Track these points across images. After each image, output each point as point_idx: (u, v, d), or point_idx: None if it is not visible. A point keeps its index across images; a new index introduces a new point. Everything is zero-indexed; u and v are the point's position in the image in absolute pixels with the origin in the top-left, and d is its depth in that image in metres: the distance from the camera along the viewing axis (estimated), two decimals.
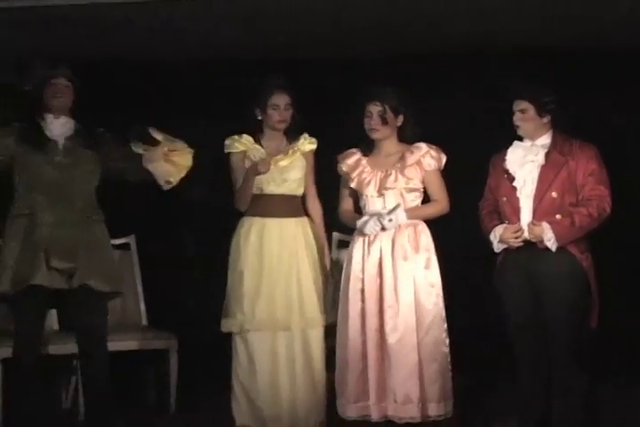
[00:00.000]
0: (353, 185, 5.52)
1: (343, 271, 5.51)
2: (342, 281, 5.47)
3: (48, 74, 5.42)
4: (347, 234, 5.89)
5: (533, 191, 5.25)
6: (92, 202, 5.46)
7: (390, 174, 5.47)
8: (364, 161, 5.56)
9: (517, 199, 5.28)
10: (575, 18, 5.80)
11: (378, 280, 5.39)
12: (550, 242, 5.15)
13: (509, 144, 5.38)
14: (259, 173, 5.47)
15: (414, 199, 5.47)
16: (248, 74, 6.13)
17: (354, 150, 5.60)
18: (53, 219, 5.31)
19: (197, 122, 6.74)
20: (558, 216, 5.19)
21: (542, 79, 5.46)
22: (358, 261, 5.43)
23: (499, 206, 5.37)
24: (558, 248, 5.16)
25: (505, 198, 5.32)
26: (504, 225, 5.28)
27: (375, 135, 5.49)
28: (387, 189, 5.45)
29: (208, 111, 6.81)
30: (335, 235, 6.14)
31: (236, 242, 5.55)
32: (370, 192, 5.48)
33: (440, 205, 5.48)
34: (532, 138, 5.31)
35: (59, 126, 5.45)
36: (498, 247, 5.31)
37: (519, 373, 5.36)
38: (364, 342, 5.36)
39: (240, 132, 5.60)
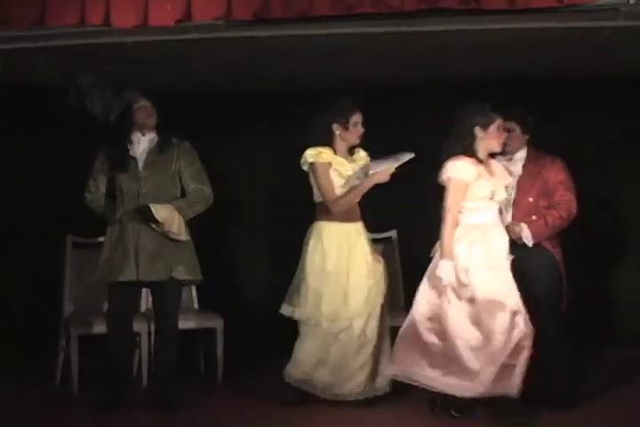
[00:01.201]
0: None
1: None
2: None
3: (133, 100, 5.75)
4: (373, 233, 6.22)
5: (513, 197, 5.73)
6: None
7: None
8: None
9: None
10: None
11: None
12: (527, 239, 5.65)
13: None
14: (381, 182, 5.72)
15: None
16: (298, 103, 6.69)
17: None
18: (139, 225, 5.71)
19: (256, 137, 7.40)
20: (534, 217, 5.67)
21: (525, 103, 5.85)
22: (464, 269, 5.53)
23: None
24: (535, 244, 5.64)
25: None
26: None
27: None
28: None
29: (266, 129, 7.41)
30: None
31: (318, 244, 5.78)
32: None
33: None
34: (513, 153, 5.78)
35: (145, 142, 5.78)
36: None
37: None
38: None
39: (310, 146, 5.84)
